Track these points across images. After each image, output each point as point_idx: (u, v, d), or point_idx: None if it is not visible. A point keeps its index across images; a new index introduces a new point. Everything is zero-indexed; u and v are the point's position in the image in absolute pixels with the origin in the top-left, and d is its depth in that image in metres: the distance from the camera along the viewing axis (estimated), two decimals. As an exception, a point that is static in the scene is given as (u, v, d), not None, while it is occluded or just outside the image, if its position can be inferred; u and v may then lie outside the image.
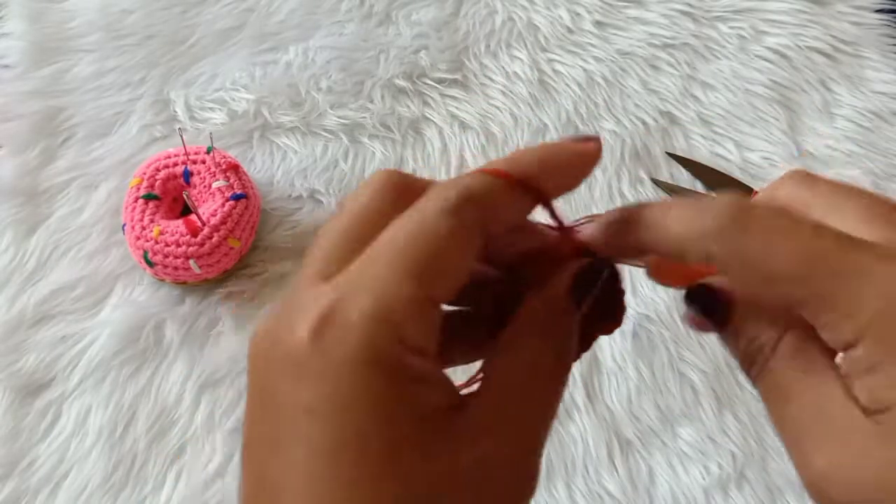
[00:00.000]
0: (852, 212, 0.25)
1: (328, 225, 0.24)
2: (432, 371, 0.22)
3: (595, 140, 0.26)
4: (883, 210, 0.25)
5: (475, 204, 0.23)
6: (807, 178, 0.26)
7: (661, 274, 0.28)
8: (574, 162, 0.26)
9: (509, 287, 0.27)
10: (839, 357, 0.23)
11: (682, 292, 0.27)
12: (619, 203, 0.63)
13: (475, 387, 0.25)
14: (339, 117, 0.67)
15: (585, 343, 0.28)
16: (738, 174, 0.65)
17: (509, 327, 0.25)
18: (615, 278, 0.28)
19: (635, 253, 0.26)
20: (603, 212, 0.28)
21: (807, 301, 0.23)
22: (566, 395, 0.56)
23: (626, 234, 0.26)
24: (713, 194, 0.30)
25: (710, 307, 0.26)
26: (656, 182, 0.64)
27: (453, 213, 0.23)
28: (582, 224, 0.28)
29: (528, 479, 0.24)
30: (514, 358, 0.25)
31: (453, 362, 0.28)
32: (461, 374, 0.26)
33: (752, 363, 0.25)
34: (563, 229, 0.27)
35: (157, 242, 0.57)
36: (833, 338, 0.23)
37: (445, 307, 0.25)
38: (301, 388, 0.21)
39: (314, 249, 0.24)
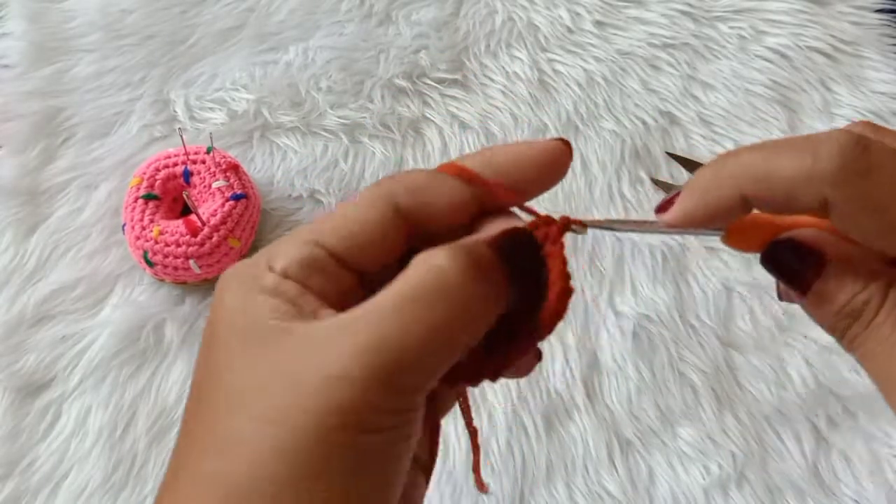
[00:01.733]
0: None
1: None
2: (291, 291, 0.24)
3: (563, 141, 0.26)
4: None
5: (396, 181, 0.26)
6: (875, 129, 0.25)
7: (737, 237, 0.26)
8: (543, 161, 0.26)
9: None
10: None
11: (756, 258, 0.25)
12: (619, 203, 0.63)
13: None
14: (339, 117, 0.67)
15: (512, 355, 0.26)
16: (738, 174, 0.65)
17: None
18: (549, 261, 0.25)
19: (732, 212, 0.24)
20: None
21: None
22: (566, 394, 0.56)
23: (725, 187, 0.24)
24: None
25: (796, 262, 0.24)
26: (656, 182, 0.64)
27: (368, 187, 0.26)
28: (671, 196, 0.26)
29: (361, 418, 0.22)
30: (405, 273, 0.23)
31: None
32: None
33: (850, 325, 0.23)
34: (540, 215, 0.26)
35: (157, 242, 0.57)
36: None
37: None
38: (213, 303, 0.26)
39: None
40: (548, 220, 0.26)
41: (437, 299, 0.22)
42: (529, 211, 0.27)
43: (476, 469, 0.30)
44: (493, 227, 0.26)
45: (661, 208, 0.26)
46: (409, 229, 0.26)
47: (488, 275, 0.23)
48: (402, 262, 0.25)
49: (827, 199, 0.22)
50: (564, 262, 0.25)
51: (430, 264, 0.23)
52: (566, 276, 0.24)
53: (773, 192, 0.23)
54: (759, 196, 0.24)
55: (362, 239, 0.25)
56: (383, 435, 0.22)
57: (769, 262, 0.25)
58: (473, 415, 0.55)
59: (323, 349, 0.22)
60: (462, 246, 0.23)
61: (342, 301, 0.25)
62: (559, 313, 0.25)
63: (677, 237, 0.61)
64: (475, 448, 0.29)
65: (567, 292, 0.24)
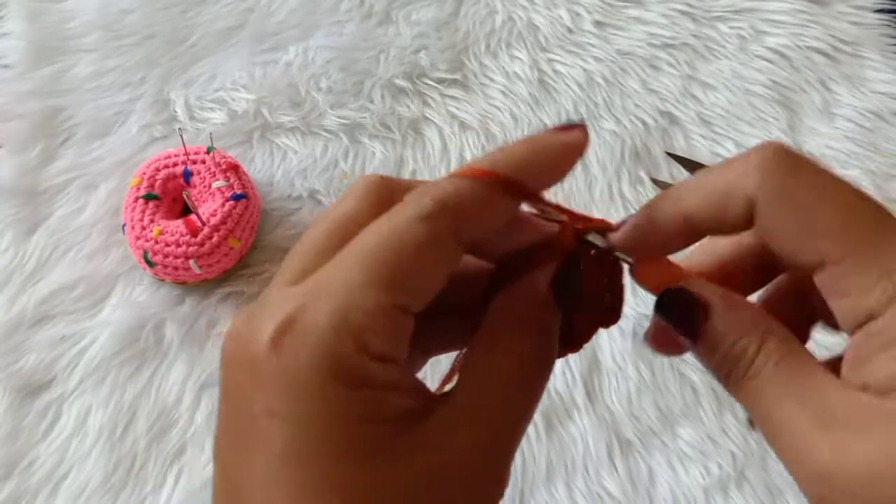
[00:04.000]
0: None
1: (308, 230, 0.25)
2: (397, 378, 0.22)
3: (580, 128, 0.25)
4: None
5: (450, 210, 0.23)
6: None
7: (643, 273, 0.27)
8: (559, 154, 0.25)
9: (502, 282, 0.27)
10: (853, 336, 0.22)
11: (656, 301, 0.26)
12: (619, 203, 0.63)
13: (450, 386, 0.25)
14: (339, 117, 0.67)
15: (584, 337, 0.28)
16: (738, 174, 0.65)
17: (486, 322, 0.25)
18: (612, 267, 0.27)
19: (675, 232, 0.25)
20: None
21: (841, 260, 0.22)
22: (566, 394, 0.56)
23: (669, 205, 0.25)
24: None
25: (685, 310, 0.25)
26: (656, 182, 0.64)
27: (426, 219, 0.22)
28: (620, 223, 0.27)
29: (496, 483, 0.24)
30: (490, 355, 0.24)
31: (437, 352, 0.28)
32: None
33: (732, 368, 0.24)
34: (564, 217, 0.27)
35: (157, 242, 0.57)
36: (856, 305, 0.22)
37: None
38: (261, 393, 0.21)
39: (290, 254, 0.24)
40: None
41: (530, 385, 0.25)
42: (572, 213, 0.27)
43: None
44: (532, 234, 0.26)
45: (616, 227, 0.27)
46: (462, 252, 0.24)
47: (554, 334, 0.26)
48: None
49: (754, 200, 0.23)
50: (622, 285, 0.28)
51: (517, 351, 0.25)
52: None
53: (707, 203, 0.24)
54: (695, 209, 0.25)
55: (437, 288, 0.23)
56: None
57: (662, 307, 0.26)
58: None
59: (458, 449, 0.23)
60: (536, 323, 0.25)
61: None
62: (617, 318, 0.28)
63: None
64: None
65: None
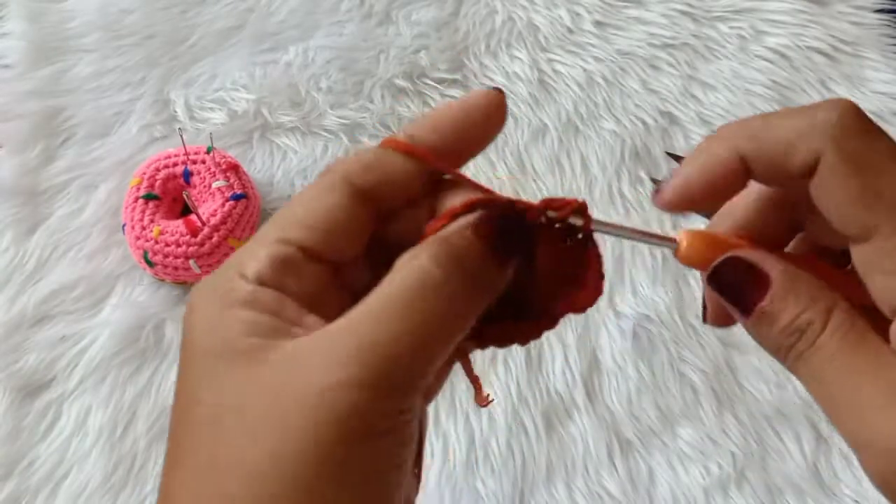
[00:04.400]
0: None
1: None
2: (271, 300, 0.23)
3: (496, 90, 0.26)
4: None
5: (344, 162, 0.25)
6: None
7: (688, 250, 0.26)
8: (475, 117, 0.26)
9: None
10: None
11: (705, 277, 0.25)
12: (619, 203, 0.63)
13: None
14: (339, 117, 0.67)
15: (548, 318, 0.27)
16: (738, 174, 0.65)
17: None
18: (585, 241, 0.26)
19: (730, 175, 0.24)
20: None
21: (891, 237, 0.22)
22: (566, 394, 0.56)
23: (723, 147, 0.24)
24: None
25: (743, 283, 0.24)
26: (656, 182, 0.64)
27: (323, 174, 0.25)
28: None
29: (364, 427, 0.22)
30: (382, 281, 0.23)
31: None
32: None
33: (795, 342, 0.23)
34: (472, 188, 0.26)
35: (157, 242, 0.57)
36: None
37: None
38: (183, 320, 0.25)
39: None
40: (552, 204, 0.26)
41: (424, 299, 0.22)
42: (479, 187, 0.27)
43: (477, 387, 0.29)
44: (459, 199, 0.25)
45: (658, 191, 0.26)
46: (371, 210, 0.25)
47: (473, 266, 0.23)
48: (371, 251, 0.26)
49: (820, 154, 0.23)
50: (599, 256, 0.26)
51: (415, 265, 0.23)
52: (601, 264, 0.26)
53: (770, 148, 0.23)
54: (755, 153, 0.24)
55: (330, 226, 0.24)
56: (382, 441, 0.22)
57: (715, 281, 0.25)
58: (472, 415, 0.55)
59: (313, 363, 0.22)
60: (444, 240, 0.23)
61: (320, 299, 0.24)
62: (595, 298, 0.26)
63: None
64: (474, 380, 0.29)
65: (601, 277, 0.26)
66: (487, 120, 0.26)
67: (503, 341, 0.27)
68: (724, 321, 0.27)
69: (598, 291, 0.26)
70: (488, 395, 0.29)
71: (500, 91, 0.26)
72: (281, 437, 0.21)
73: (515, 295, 0.25)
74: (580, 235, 0.26)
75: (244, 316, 0.23)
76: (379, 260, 0.25)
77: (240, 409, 0.22)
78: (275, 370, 0.22)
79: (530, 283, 0.26)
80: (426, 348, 0.22)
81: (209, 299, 0.24)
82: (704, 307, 0.28)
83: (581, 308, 0.27)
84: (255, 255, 0.24)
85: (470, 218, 0.24)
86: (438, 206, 0.26)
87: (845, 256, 0.25)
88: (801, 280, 0.24)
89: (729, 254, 0.25)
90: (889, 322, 0.23)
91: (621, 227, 0.27)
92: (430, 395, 0.28)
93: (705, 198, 0.25)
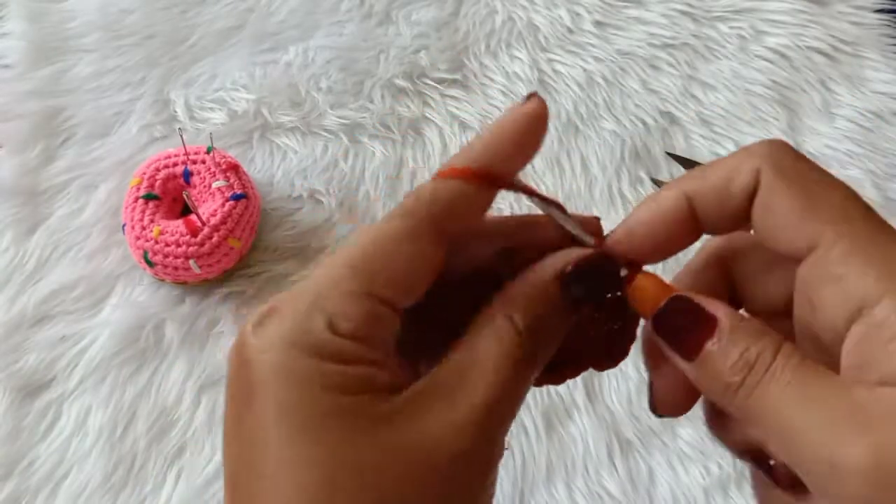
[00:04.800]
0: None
1: None
2: (369, 357, 0.23)
3: (534, 96, 0.25)
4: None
5: (425, 203, 0.24)
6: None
7: (633, 293, 0.26)
8: (524, 127, 0.25)
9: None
10: (851, 330, 0.22)
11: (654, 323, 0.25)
12: (619, 203, 0.63)
13: None
14: (339, 117, 0.67)
15: (571, 369, 0.27)
16: (738, 174, 0.65)
17: (483, 305, 0.25)
18: (624, 303, 0.25)
19: (677, 217, 0.25)
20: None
21: (836, 242, 0.22)
22: (566, 394, 0.56)
23: (670, 192, 0.25)
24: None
25: (690, 323, 0.24)
26: (656, 182, 0.64)
27: (404, 215, 0.24)
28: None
29: (479, 472, 0.23)
30: (476, 336, 0.24)
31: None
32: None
33: (745, 376, 0.23)
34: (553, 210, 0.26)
35: (157, 242, 0.57)
36: (848, 292, 0.22)
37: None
38: (244, 370, 0.22)
39: None
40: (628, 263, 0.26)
41: (516, 368, 0.24)
42: (553, 202, 0.27)
43: None
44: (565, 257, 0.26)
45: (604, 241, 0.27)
46: (446, 249, 0.25)
47: (555, 325, 0.25)
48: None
49: (759, 174, 0.23)
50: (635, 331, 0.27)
51: (507, 332, 0.24)
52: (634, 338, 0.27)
53: (712, 182, 0.24)
54: (699, 190, 0.25)
55: (417, 280, 0.24)
56: (487, 479, 0.24)
57: (659, 324, 0.25)
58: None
59: (437, 426, 0.22)
60: (532, 305, 0.24)
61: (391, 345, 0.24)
62: (624, 356, 0.27)
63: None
64: None
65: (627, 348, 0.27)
66: (532, 127, 0.26)
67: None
68: (678, 408, 0.27)
69: (621, 358, 0.27)
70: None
71: (535, 96, 0.26)
72: (418, 499, 0.22)
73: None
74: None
75: (338, 370, 0.22)
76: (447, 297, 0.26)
77: (368, 470, 0.22)
78: (401, 426, 0.22)
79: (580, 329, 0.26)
80: (517, 406, 0.24)
81: (287, 352, 0.22)
82: (652, 394, 0.27)
83: (599, 369, 0.27)
84: (343, 307, 0.23)
85: (556, 267, 0.25)
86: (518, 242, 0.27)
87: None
88: (747, 320, 0.24)
89: (675, 294, 0.25)
90: (830, 357, 0.23)
91: (549, 203, 0.27)
92: None
93: (653, 245, 0.26)
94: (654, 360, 0.26)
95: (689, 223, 0.25)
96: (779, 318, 0.26)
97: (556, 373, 0.27)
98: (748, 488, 0.54)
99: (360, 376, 0.22)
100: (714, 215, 0.25)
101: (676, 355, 0.24)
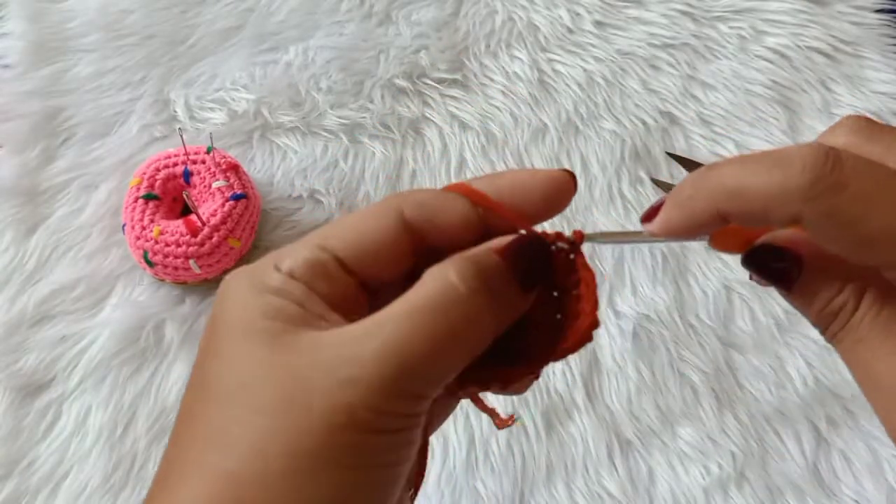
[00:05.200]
0: None
1: None
2: (294, 291, 0.25)
3: (566, 171, 0.27)
4: None
5: (404, 195, 0.27)
6: (866, 127, 0.25)
7: (721, 240, 0.26)
8: (547, 188, 0.27)
9: None
10: None
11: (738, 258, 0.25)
12: (618, 203, 0.63)
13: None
14: (339, 117, 0.67)
15: (529, 365, 0.27)
16: (738, 174, 0.65)
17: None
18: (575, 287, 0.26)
19: (710, 225, 0.25)
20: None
21: None
22: (566, 394, 0.56)
23: (703, 203, 0.24)
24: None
25: (775, 269, 0.24)
26: (656, 182, 0.64)
27: (381, 200, 0.27)
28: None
29: (365, 422, 0.23)
30: (417, 286, 0.24)
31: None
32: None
33: (829, 323, 0.24)
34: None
35: (157, 242, 0.57)
36: None
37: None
38: (217, 299, 0.26)
39: None
40: (559, 236, 0.26)
41: (446, 311, 0.24)
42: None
43: (496, 418, 0.30)
44: (503, 240, 0.26)
45: (647, 217, 0.27)
46: (415, 243, 0.26)
47: (497, 286, 0.25)
48: (408, 279, 0.26)
49: (800, 217, 0.22)
50: (596, 290, 0.26)
51: (441, 277, 0.24)
52: (596, 306, 0.26)
53: (748, 209, 0.24)
54: (733, 212, 0.24)
55: (369, 247, 0.26)
56: (388, 437, 0.23)
57: (750, 265, 0.26)
58: (472, 415, 0.55)
59: (333, 353, 0.23)
60: (471, 258, 0.25)
61: (345, 307, 0.25)
62: (585, 341, 0.26)
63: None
64: (489, 411, 0.29)
65: (595, 324, 0.26)
66: (550, 195, 0.27)
67: (483, 383, 0.27)
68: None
69: (586, 339, 0.26)
70: (511, 415, 0.30)
71: (570, 174, 0.27)
72: (295, 417, 0.22)
73: (504, 339, 0.26)
74: (574, 278, 0.26)
75: (272, 301, 0.24)
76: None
77: (257, 388, 0.23)
78: (296, 355, 0.23)
79: (519, 327, 0.26)
80: (442, 360, 0.24)
81: (241, 284, 0.25)
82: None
83: (560, 356, 0.27)
84: (293, 253, 0.26)
85: (496, 241, 0.26)
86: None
87: None
88: (832, 262, 0.24)
89: (762, 239, 0.25)
90: None
91: (640, 235, 0.27)
92: (433, 424, 0.29)
93: (689, 238, 0.27)
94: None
95: (721, 224, 0.25)
96: None
97: (504, 371, 0.27)
98: (748, 488, 0.54)
99: (280, 307, 0.24)
100: (750, 222, 0.25)
101: (776, 286, 0.25)
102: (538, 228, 0.27)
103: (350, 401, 0.22)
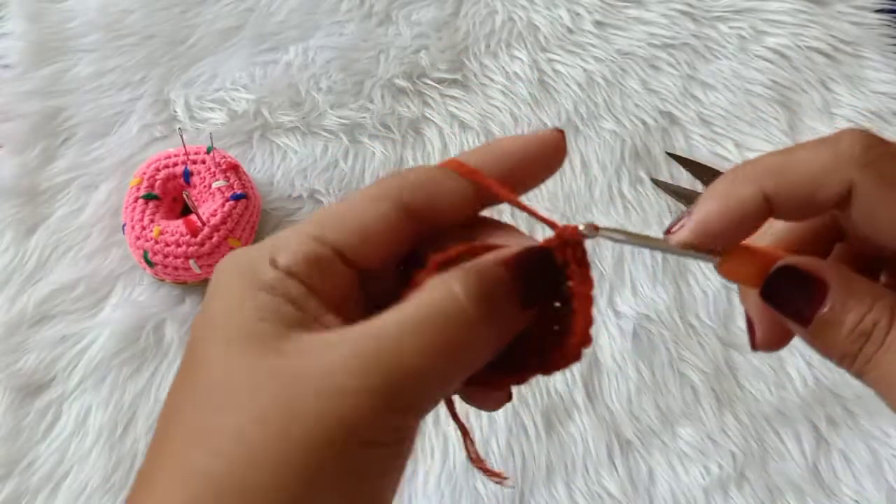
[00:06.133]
0: None
1: None
2: (298, 293, 0.24)
3: (557, 130, 0.26)
4: None
5: (400, 176, 0.26)
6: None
7: (731, 263, 0.25)
8: (537, 153, 0.26)
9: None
10: None
11: (742, 293, 0.24)
12: (618, 203, 0.63)
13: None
14: (339, 117, 0.67)
15: (519, 374, 0.26)
16: (738, 174, 0.65)
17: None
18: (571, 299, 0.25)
19: (752, 215, 0.24)
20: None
21: None
22: (566, 394, 0.56)
23: (746, 187, 0.23)
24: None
25: (800, 292, 0.23)
26: (656, 182, 0.64)
27: (375, 183, 0.26)
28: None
29: (351, 431, 0.22)
30: (419, 294, 0.23)
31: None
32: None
33: (863, 345, 0.22)
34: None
35: (157, 242, 0.57)
36: None
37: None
38: (208, 288, 0.25)
39: None
40: (564, 235, 0.25)
41: (447, 326, 0.23)
42: (535, 214, 0.27)
43: (475, 460, 0.29)
44: (504, 239, 0.25)
45: (671, 229, 0.26)
46: (414, 227, 0.25)
47: (501, 303, 0.24)
48: (404, 264, 0.26)
49: (853, 184, 0.22)
50: (591, 307, 0.25)
51: (445, 290, 0.23)
52: (590, 323, 0.25)
53: (796, 184, 0.23)
54: (780, 191, 0.23)
55: (370, 235, 0.25)
56: (378, 450, 0.22)
57: (769, 296, 0.24)
58: (472, 415, 0.55)
59: (326, 360, 0.22)
60: (477, 271, 0.23)
61: (343, 302, 0.25)
62: (572, 360, 0.25)
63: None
64: (465, 435, 0.29)
65: (585, 343, 0.25)
66: (546, 156, 0.26)
67: (473, 385, 0.26)
68: (776, 343, 0.26)
69: (574, 358, 0.25)
70: (501, 472, 0.29)
71: (560, 131, 0.26)
72: (286, 423, 0.21)
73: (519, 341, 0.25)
74: (569, 287, 0.25)
75: (266, 300, 0.23)
76: (410, 275, 0.25)
77: (244, 394, 0.22)
78: (290, 359, 0.22)
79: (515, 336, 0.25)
80: (440, 375, 0.23)
81: (235, 278, 0.24)
82: (751, 331, 0.27)
83: (548, 370, 0.26)
84: (289, 245, 0.24)
85: (503, 253, 0.24)
86: (483, 235, 0.26)
87: (878, 263, 0.24)
88: (859, 281, 0.23)
89: (781, 263, 0.24)
90: None
91: (658, 241, 0.26)
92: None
93: (723, 238, 0.25)
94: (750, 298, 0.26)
95: (762, 217, 0.25)
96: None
97: (497, 378, 0.26)
98: (748, 488, 0.54)
99: (274, 307, 0.23)
100: (794, 215, 0.25)
101: (791, 322, 0.24)
102: (549, 216, 0.26)
103: (340, 413, 0.21)
